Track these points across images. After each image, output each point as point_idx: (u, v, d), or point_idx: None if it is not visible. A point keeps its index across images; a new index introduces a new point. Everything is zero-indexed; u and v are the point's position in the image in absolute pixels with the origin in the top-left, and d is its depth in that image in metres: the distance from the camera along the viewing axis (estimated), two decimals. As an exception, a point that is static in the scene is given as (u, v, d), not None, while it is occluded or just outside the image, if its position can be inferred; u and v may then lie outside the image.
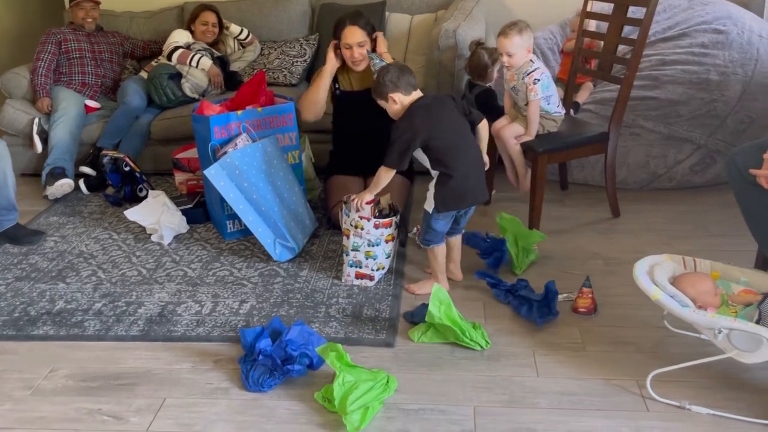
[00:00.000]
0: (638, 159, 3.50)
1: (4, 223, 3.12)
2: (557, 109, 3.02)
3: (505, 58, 2.91)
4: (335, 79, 3.16)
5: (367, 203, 2.59)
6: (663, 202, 3.41)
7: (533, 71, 2.89)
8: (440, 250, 2.56)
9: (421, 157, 2.48)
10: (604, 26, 3.49)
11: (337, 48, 3.07)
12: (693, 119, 3.42)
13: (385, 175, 2.46)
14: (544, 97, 2.94)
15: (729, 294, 2.08)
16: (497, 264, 2.76)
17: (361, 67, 3.07)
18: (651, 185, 3.55)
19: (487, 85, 3.35)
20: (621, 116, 3.09)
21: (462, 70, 3.53)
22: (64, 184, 3.57)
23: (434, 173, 2.48)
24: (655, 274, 2.07)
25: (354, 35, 2.98)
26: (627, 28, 3.28)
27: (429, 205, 2.49)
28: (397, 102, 2.44)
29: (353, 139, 3.19)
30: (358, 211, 2.57)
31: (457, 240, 2.67)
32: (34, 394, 2.13)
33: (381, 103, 2.51)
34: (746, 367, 2.06)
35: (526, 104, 2.97)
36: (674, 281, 2.07)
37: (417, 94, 2.47)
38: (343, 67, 3.13)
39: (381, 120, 2.90)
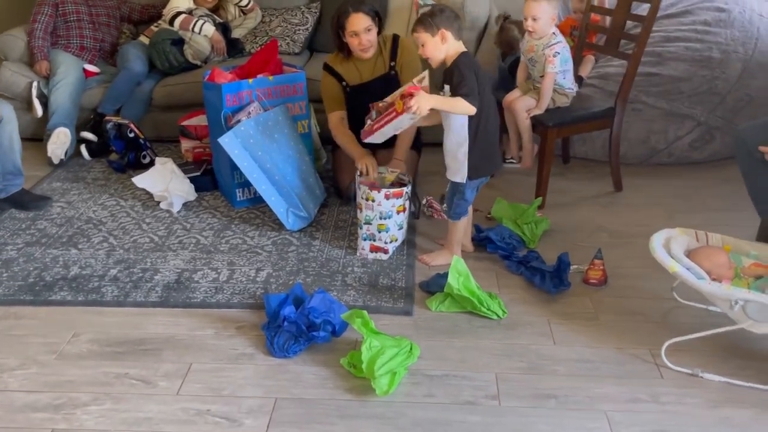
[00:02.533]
0: (639, 134, 3.56)
1: (9, 188, 3.09)
2: (571, 85, 3.07)
3: (529, 22, 2.94)
4: (340, 77, 3.05)
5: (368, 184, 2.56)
6: (662, 176, 3.49)
7: (555, 44, 2.94)
8: (464, 221, 2.60)
9: (458, 123, 2.38)
10: (609, 2, 3.54)
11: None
12: (694, 96, 3.48)
13: (463, 105, 2.29)
14: (561, 71, 2.98)
15: (740, 267, 2.16)
16: (523, 262, 2.64)
17: (369, 54, 2.96)
18: (650, 160, 3.62)
19: (518, 54, 3.38)
20: (628, 92, 3.15)
21: (469, 43, 3.54)
22: (60, 133, 3.51)
23: (460, 141, 2.41)
24: (671, 247, 2.14)
25: (360, 22, 2.86)
26: (633, 4, 3.31)
27: (459, 176, 2.48)
28: (446, 41, 2.31)
29: (363, 120, 3.17)
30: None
31: (469, 211, 2.71)
32: (59, 358, 2.14)
33: (422, 36, 2.33)
34: (755, 337, 2.15)
35: (541, 77, 3.01)
36: (689, 254, 2.14)
37: (462, 45, 2.38)
38: (348, 59, 3.03)
39: None
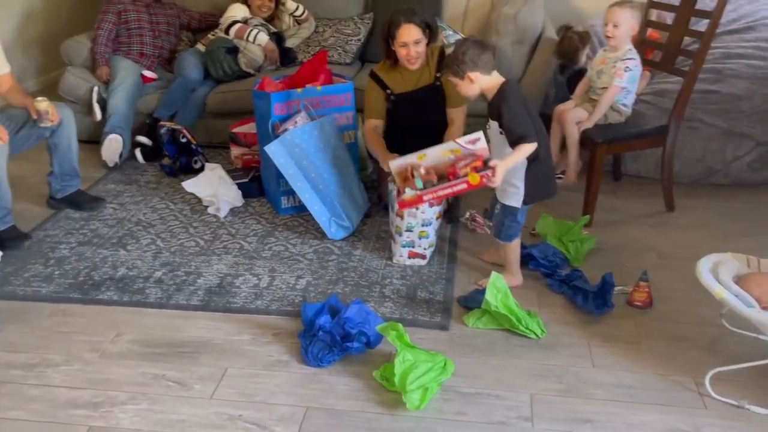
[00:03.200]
0: (694, 153, 3.45)
1: (66, 188, 3.20)
2: (629, 105, 3.02)
3: (609, 28, 2.91)
4: (385, 85, 3.06)
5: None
6: (717, 198, 3.37)
7: (629, 59, 2.92)
8: (517, 242, 2.55)
9: (503, 150, 2.32)
10: (663, 16, 3.44)
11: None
12: (754, 115, 3.36)
13: (530, 148, 2.25)
14: (626, 89, 2.95)
15: (793, 296, 2.06)
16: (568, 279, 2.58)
17: (416, 66, 2.95)
18: (706, 180, 3.51)
19: (578, 67, 3.33)
20: (683, 110, 3.06)
21: (522, 57, 3.51)
22: (112, 140, 3.62)
23: (521, 169, 2.35)
24: (719, 272, 2.06)
25: (410, 33, 2.86)
26: (692, 20, 3.22)
27: (515, 201, 2.42)
28: (475, 82, 2.29)
29: (408, 130, 3.17)
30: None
31: None
32: (101, 357, 2.20)
33: (453, 80, 2.35)
34: (807, 370, 2.06)
35: (602, 89, 2.97)
36: (739, 280, 2.06)
37: (498, 75, 2.33)
38: (395, 66, 3.03)
39: (439, 115, 2.89)
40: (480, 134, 2.33)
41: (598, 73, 3.03)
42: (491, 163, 2.26)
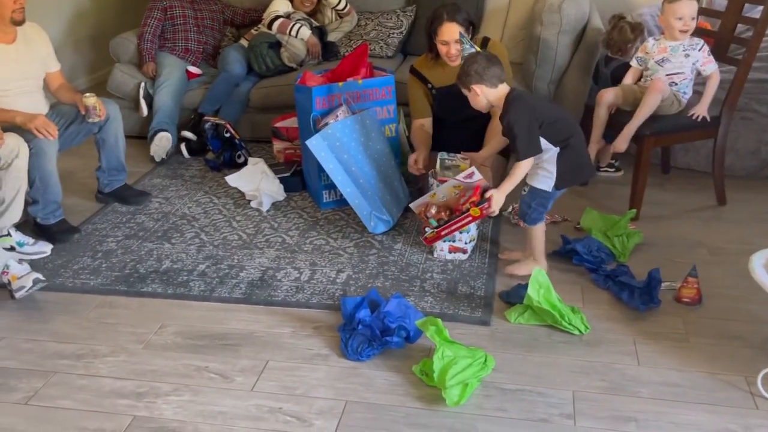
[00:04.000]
0: (748, 145, 3.33)
1: (113, 183, 3.27)
2: (690, 93, 2.96)
3: (687, 21, 2.84)
4: (425, 79, 3.04)
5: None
6: (772, 191, 3.26)
7: (702, 45, 2.88)
8: (542, 227, 2.53)
9: (543, 147, 2.36)
10: (717, 3, 3.33)
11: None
12: (812, 105, 3.22)
13: (526, 166, 2.36)
14: (690, 78, 2.93)
15: None
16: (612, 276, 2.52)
17: (456, 63, 2.90)
18: (761, 173, 3.38)
19: (626, 60, 3.24)
20: (735, 100, 2.96)
21: (566, 47, 3.43)
22: (162, 138, 3.69)
23: (552, 154, 2.38)
24: (773, 269, 1.98)
25: (451, 32, 2.84)
26: (746, 6, 3.10)
27: (545, 184, 2.42)
28: (480, 94, 2.38)
29: (452, 125, 3.14)
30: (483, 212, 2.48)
31: None
32: (146, 348, 2.25)
33: (464, 91, 2.45)
34: None
35: (672, 74, 2.94)
36: (793, 277, 1.98)
37: (505, 87, 2.40)
38: (436, 60, 3.01)
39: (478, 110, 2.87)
40: (473, 169, 2.50)
41: (659, 62, 2.94)
42: (487, 195, 2.43)
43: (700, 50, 2.88)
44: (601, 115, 3.05)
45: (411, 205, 2.72)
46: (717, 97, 3.21)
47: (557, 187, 2.42)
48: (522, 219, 2.57)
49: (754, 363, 2.05)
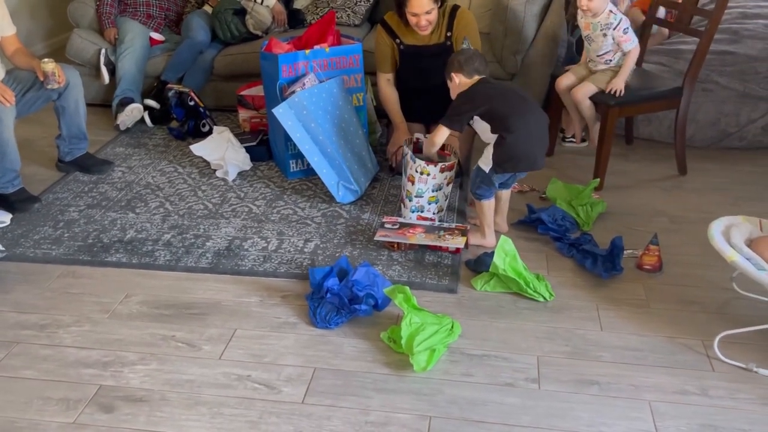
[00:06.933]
0: (708, 116, 3.40)
1: (75, 151, 3.20)
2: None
3: (583, 2, 2.83)
4: (395, 34, 3.03)
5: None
6: (731, 161, 3.33)
7: (618, 23, 2.84)
8: (489, 204, 2.57)
9: (481, 128, 2.52)
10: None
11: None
12: (771, 77, 3.29)
13: (442, 133, 2.54)
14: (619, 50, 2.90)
15: (806, 259, 2.03)
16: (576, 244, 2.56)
17: (426, 32, 2.94)
18: (720, 144, 3.46)
19: None
20: (697, 71, 3.00)
21: (533, 17, 3.44)
22: (134, 109, 3.62)
23: (492, 137, 2.48)
24: (731, 235, 2.04)
25: (421, 5, 2.82)
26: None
27: (485, 165, 2.50)
28: (456, 81, 2.54)
29: (417, 92, 3.13)
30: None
31: (506, 193, 2.66)
32: (111, 318, 2.22)
33: (448, 82, 2.60)
34: (817, 334, 2.04)
35: (598, 56, 2.91)
36: (751, 243, 2.04)
37: (472, 80, 2.53)
38: (407, 26, 2.99)
39: (443, 76, 2.88)
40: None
41: (587, 39, 2.97)
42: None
43: (615, 29, 2.86)
44: (567, 102, 3.09)
45: (376, 238, 2.57)
46: (679, 69, 3.27)
47: (495, 171, 2.48)
48: (471, 191, 2.63)
49: (711, 327, 2.11)
